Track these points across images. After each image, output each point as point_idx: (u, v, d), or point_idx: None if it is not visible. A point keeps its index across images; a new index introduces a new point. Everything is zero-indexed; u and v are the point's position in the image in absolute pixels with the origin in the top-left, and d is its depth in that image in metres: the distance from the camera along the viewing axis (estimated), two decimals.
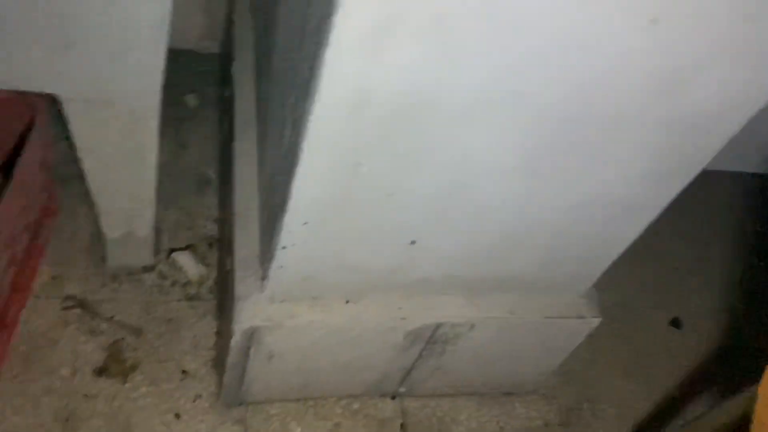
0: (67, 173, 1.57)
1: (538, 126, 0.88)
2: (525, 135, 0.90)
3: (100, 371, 1.37)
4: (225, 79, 1.66)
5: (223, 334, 1.38)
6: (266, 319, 1.15)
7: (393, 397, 1.47)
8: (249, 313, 1.15)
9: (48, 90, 1.12)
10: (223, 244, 1.54)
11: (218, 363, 1.42)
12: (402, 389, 1.45)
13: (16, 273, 1.31)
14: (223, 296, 1.47)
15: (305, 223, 0.99)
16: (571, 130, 0.89)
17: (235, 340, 1.18)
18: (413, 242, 1.07)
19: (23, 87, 1.13)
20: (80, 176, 1.57)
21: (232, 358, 1.23)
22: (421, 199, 0.99)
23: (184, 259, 1.55)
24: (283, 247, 1.04)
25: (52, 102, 1.22)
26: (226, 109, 1.62)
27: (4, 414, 1.27)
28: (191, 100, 1.87)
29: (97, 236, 1.52)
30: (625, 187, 0.99)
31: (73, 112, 1.17)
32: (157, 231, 1.51)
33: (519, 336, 1.32)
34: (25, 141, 1.24)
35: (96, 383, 1.35)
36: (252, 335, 1.17)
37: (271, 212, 1.10)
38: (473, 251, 1.12)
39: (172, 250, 1.56)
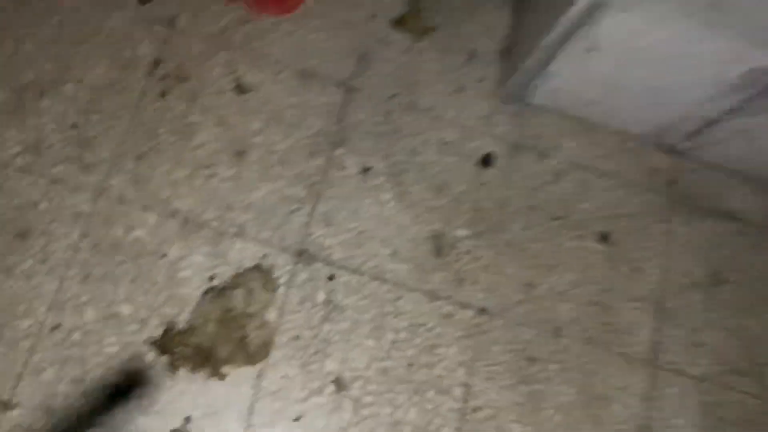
0: None
1: None
2: None
3: (397, 22, 1.34)
4: None
5: (522, 29, 1.30)
6: None
7: (669, 152, 1.37)
8: None
9: None
10: None
11: (507, 56, 1.36)
12: (687, 144, 1.34)
13: None
14: None
15: None
16: None
17: (573, 11, 1.08)
18: None
19: None
20: None
21: (553, 33, 1.14)
22: None
23: None
24: None
25: None
26: None
27: (306, 29, 1.29)
28: None
29: None
30: None
31: None
32: None
33: None
34: None
35: (391, 33, 1.33)
36: (592, 13, 1.07)
37: None
38: None
39: None
